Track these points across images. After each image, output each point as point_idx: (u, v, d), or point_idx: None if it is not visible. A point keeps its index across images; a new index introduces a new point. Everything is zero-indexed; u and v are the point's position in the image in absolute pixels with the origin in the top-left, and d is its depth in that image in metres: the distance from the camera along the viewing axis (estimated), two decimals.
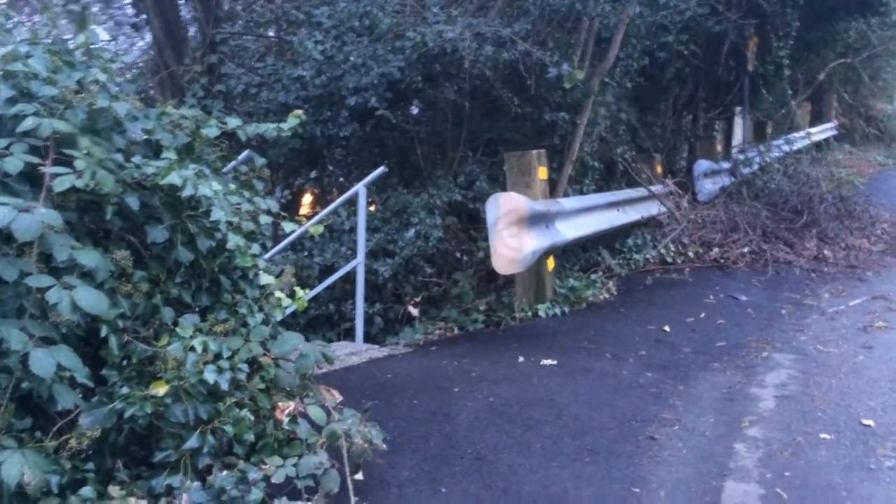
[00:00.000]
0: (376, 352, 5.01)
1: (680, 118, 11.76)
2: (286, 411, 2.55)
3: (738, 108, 12.04)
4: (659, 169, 9.68)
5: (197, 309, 2.94)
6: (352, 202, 5.82)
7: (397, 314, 6.18)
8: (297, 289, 3.17)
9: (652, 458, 3.20)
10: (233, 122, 3.50)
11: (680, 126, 11.70)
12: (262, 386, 2.87)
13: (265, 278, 2.89)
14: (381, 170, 5.32)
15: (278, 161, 6.48)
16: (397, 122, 6.42)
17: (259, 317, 3.02)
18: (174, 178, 2.72)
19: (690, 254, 7.46)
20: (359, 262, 5.34)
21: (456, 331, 5.66)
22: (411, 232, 6.24)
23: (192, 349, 2.41)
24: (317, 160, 6.77)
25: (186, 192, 2.75)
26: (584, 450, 3.24)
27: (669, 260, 7.38)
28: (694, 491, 2.93)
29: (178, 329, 2.46)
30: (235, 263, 2.90)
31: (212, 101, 6.72)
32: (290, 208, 6.98)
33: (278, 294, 2.95)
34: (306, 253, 6.29)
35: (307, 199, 7.82)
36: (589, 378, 4.21)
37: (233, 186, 2.94)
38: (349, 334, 5.96)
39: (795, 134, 13.53)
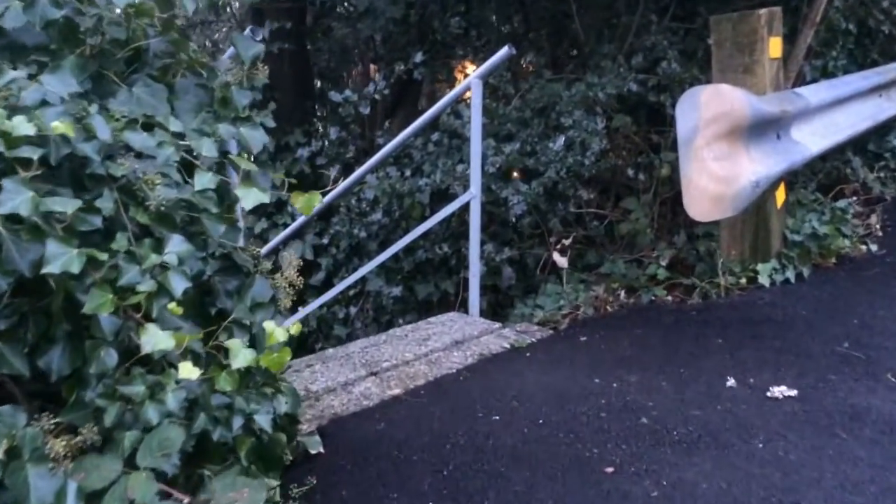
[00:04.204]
0: (493, 340, 3.41)
1: None
2: None
3: None
4: None
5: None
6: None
7: (537, 261, 4.50)
8: (269, 325, 1.60)
9: None
10: None
11: None
12: None
13: (159, 338, 1.33)
14: (503, 52, 3.52)
15: (373, 37, 4.81)
16: None
17: (154, 413, 1.50)
18: None
19: None
20: (472, 197, 3.68)
21: (622, 296, 3.91)
22: (560, 140, 4.44)
23: None
24: (426, 36, 5.03)
25: None
26: None
27: None
28: None
29: None
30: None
31: None
32: (395, 107, 5.34)
33: (188, 369, 1.39)
34: (409, 172, 4.70)
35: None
36: (861, 437, 2.38)
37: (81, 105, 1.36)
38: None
39: None
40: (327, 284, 5.40)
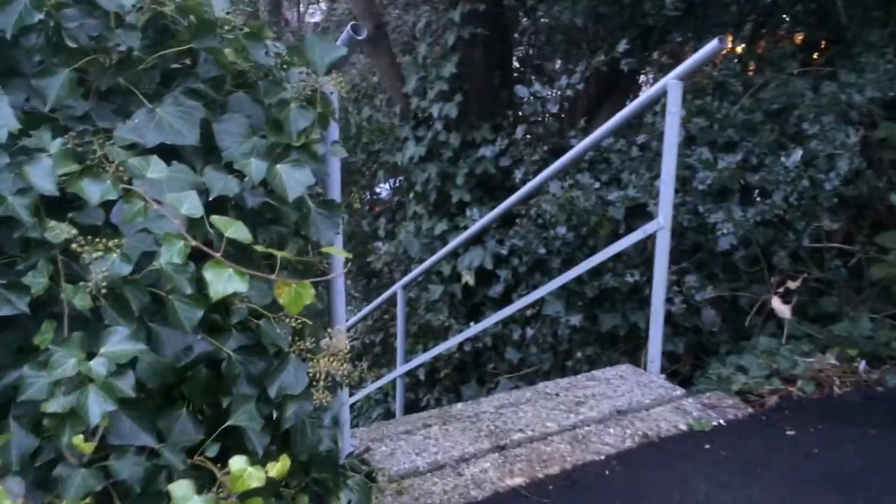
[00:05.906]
0: (667, 414, 2.72)
1: None
2: None
3: None
4: None
5: None
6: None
7: (751, 304, 3.66)
8: (237, 462, 1.15)
9: None
10: None
11: None
12: None
13: None
14: (711, 45, 2.76)
15: (572, 25, 4.17)
16: None
17: None
18: None
19: None
20: (660, 228, 2.98)
21: (861, 370, 2.99)
22: (797, 154, 3.53)
23: None
24: (634, 21, 4.26)
25: None
26: None
27: None
28: None
29: None
30: None
31: None
32: (601, 103, 4.64)
33: None
34: (603, 181, 4.03)
35: None
36: None
37: None
38: (670, 320, 3.68)
39: None
40: (506, 298, 4.92)
